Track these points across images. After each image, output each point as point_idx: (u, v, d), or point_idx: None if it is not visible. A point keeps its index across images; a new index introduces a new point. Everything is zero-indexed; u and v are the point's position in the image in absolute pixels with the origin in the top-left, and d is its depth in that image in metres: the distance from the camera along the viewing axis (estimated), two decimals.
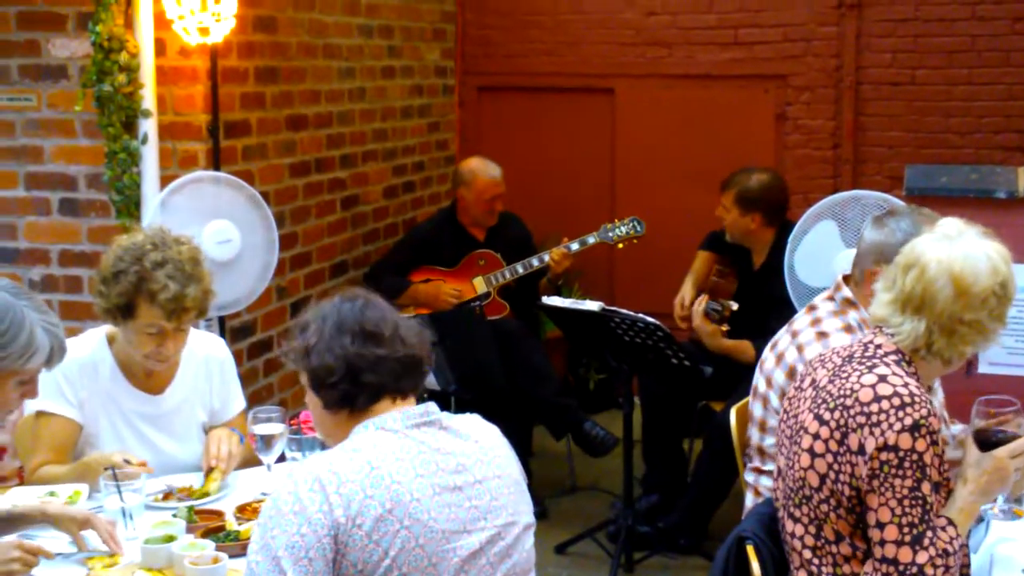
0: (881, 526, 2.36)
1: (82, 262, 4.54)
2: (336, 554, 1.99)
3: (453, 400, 4.87)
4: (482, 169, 5.46)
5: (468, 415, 2.29)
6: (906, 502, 2.34)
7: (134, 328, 2.94)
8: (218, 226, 4.17)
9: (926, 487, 2.35)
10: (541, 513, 4.98)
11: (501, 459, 2.22)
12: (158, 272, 2.88)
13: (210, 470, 2.97)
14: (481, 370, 5.02)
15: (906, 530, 2.34)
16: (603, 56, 6.58)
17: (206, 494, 2.93)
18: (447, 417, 2.21)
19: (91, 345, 3.07)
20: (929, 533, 2.35)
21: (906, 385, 2.39)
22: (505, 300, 5.49)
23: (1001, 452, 2.43)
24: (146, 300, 2.89)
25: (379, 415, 2.16)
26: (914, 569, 2.33)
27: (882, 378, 2.41)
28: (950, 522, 2.40)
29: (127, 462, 2.81)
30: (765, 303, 4.61)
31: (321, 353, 2.18)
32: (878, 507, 2.36)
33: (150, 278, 2.88)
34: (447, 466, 2.11)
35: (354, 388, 2.16)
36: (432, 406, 2.21)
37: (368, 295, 2.26)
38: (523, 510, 2.23)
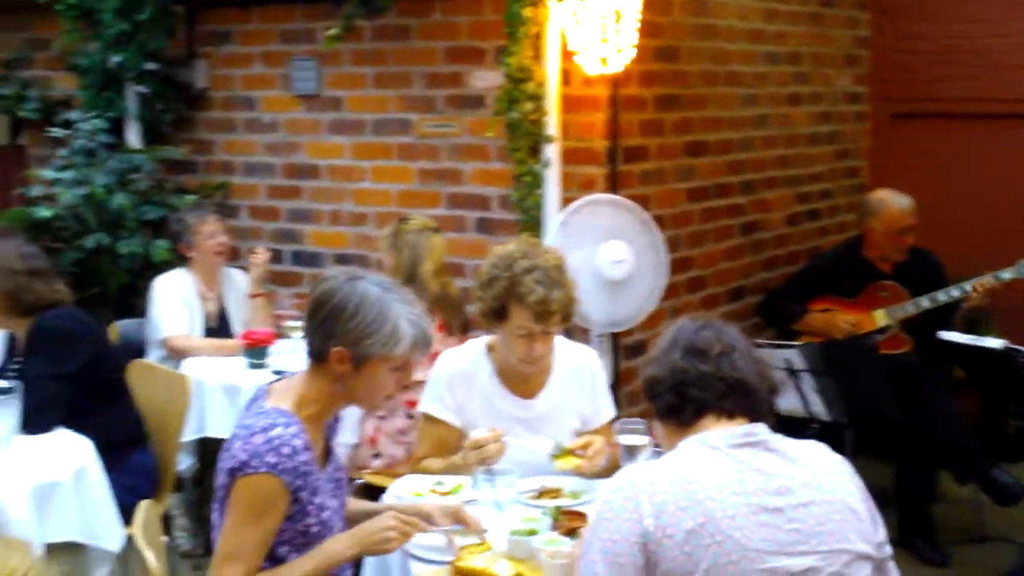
0: None
1: None
2: (647, 562, 2.06)
3: (846, 433, 4.73)
4: (892, 199, 5.26)
5: (808, 441, 2.27)
6: None
7: (507, 331, 3.17)
8: (614, 246, 4.36)
9: None
10: (943, 561, 4.77)
11: (833, 485, 2.17)
12: (527, 277, 3.09)
13: (569, 451, 3.12)
14: (873, 404, 4.85)
15: None
16: None
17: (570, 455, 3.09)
18: (776, 439, 2.20)
19: (471, 354, 3.34)
20: None
21: None
22: (908, 335, 5.26)
23: None
24: (516, 303, 3.10)
25: (703, 432, 2.20)
26: None
27: None
28: None
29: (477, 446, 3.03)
30: None
31: (654, 364, 2.29)
32: None
33: (520, 283, 3.10)
34: (768, 487, 2.11)
35: (678, 400, 2.23)
36: (759, 427, 2.21)
37: (712, 319, 2.34)
38: (856, 539, 2.16)
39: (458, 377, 3.29)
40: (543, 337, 3.14)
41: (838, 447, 2.29)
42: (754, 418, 2.24)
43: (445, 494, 3.07)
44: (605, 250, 4.36)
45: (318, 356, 2.53)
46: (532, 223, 4.62)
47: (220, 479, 2.50)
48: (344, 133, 5.35)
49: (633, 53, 4.41)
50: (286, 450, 2.41)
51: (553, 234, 4.43)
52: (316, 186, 5.48)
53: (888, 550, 2.27)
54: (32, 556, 1.24)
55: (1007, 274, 4.99)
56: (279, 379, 2.67)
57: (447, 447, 3.29)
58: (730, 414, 2.22)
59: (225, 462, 2.47)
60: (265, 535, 2.44)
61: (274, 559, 2.49)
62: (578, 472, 3.14)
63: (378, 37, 5.13)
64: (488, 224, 5.00)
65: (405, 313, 2.52)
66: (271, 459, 2.40)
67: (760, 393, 2.25)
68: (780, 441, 2.21)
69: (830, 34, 6.29)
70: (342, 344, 2.48)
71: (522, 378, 3.28)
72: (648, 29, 4.57)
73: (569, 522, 2.88)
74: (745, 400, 2.23)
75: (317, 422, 2.57)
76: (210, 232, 5.00)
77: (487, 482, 3.00)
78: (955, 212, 6.26)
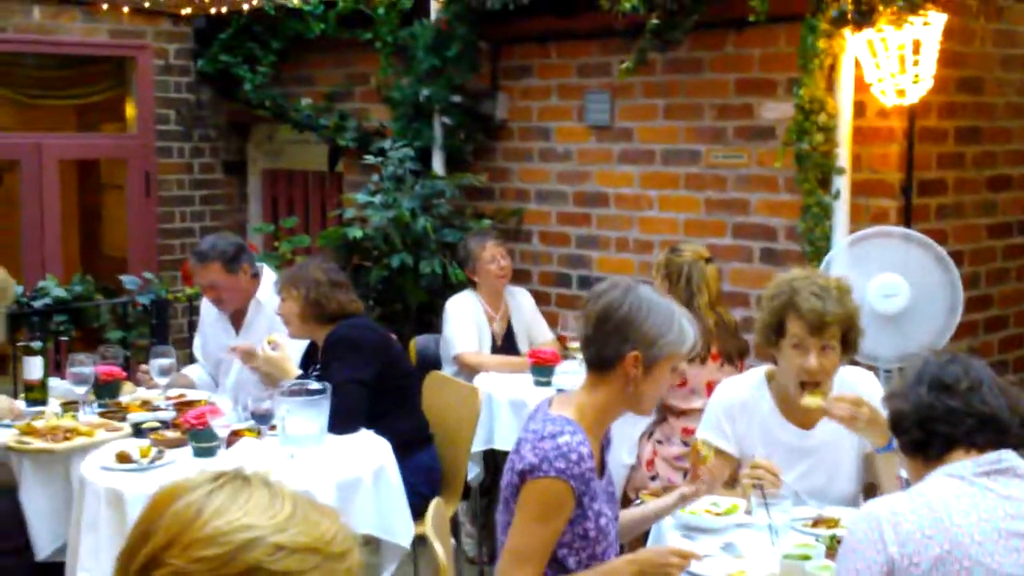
0: None
1: None
2: None
3: None
4: None
5: None
6: None
7: (783, 346, 3.17)
8: (886, 279, 4.25)
9: None
10: None
11: None
12: (804, 291, 3.12)
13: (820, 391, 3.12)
14: None
15: None
16: None
17: None
18: None
19: (750, 383, 3.37)
20: None
21: None
22: None
23: None
24: (792, 313, 3.12)
25: (950, 464, 2.18)
26: None
27: None
28: None
29: (755, 467, 3.04)
30: None
31: (899, 399, 2.28)
32: None
33: (798, 294, 3.12)
34: (1018, 512, 2.09)
35: (925, 435, 2.22)
36: (1007, 453, 2.17)
37: (958, 353, 2.31)
38: None
39: (737, 407, 3.33)
40: (820, 353, 3.13)
41: None
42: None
43: (719, 515, 3.12)
44: (876, 282, 4.26)
45: (606, 364, 2.63)
46: (819, 254, 4.58)
47: (507, 479, 2.65)
48: (633, 163, 5.49)
49: (931, 84, 4.31)
50: (574, 456, 2.53)
51: (835, 262, 4.36)
52: (604, 214, 5.65)
53: None
54: (341, 522, 1.38)
55: None
56: (562, 392, 2.82)
57: (722, 475, 3.32)
58: (979, 448, 2.19)
59: (515, 464, 2.61)
60: (552, 537, 2.57)
61: (552, 560, 2.62)
62: (823, 410, 3.08)
63: (670, 70, 5.26)
64: (773, 255, 5.00)
65: (683, 313, 2.66)
66: (560, 464, 2.52)
67: (1013, 428, 2.21)
68: None
69: None
70: (638, 347, 2.60)
71: (802, 408, 3.28)
72: (950, 59, 4.45)
73: None
74: (997, 436, 2.20)
75: (596, 432, 2.68)
76: (490, 256, 5.22)
77: (762, 507, 3.02)
78: None
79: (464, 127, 5.98)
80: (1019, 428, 2.23)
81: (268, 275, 4.68)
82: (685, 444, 4.15)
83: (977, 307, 4.89)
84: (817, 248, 4.58)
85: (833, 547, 2.88)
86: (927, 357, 2.33)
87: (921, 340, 4.33)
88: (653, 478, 4.35)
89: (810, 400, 3.13)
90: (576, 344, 4.94)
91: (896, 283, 4.27)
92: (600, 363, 2.65)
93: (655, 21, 4.86)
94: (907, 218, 4.60)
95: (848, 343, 3.17)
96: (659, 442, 4.36)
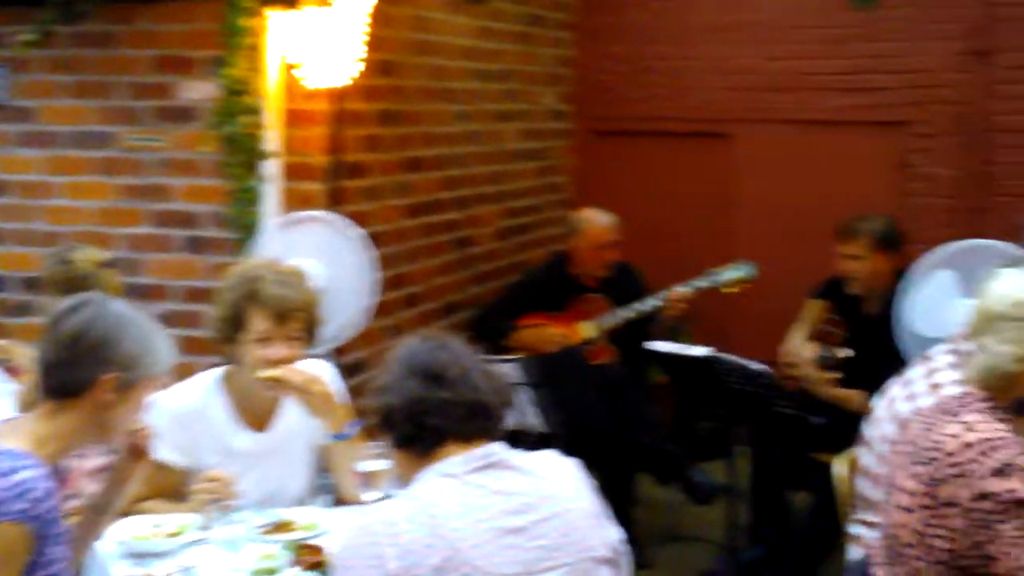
0: None
1: (203, 298, 4.65)
2: None
3: (559, 443, 4.86)
4: (593, 218, 5.46)
5: (541, 452, 2.26)
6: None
7: (244, 341, 3.02)
8: (296, 264, 4.24)
9: None
10: (644, 562, 4.91)
11: (571, 493, 2.18)
12: (264, 280, 3.01)
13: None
14: (584, 415, 4.99)
15: None
16: (721, 101, 6.57)
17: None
18: (513, 456, 2.18)
19: (200, 389, 3.15)
20: None
21: (995, 430, 2.37)
22: (613, 346, 5.46)
23: None
24: (254, 305, 2.99)
25: (443, 460, 2.15)
26: None
27: (968, 426, 2.38)
28: None
29: (210, 480, 2.89)
30: (880, 353, 4.50)
31: (388, 392, 2.20)
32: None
33: (257, 284, 3.00)
34: (509, 507, 2.09)
35: (417, 430, 2.16)
36: (496, 447, 2.18)
37: (446, 337, 2.27)
38: (596, 544, 2.18)
39: (184, 415, 3.09)
40: (285, 343, 3.01)
41: None
42: (492, 438, 2.20)
43: (172, 535, 2.88)
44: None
45: (75, 391, 2.33)
46: (248, 241, 4.44)
47: None
48: (35, 146, 4.93)
49: (356, 67, 4.34)
50: (34, 495, 2.18)
51: (263, 249, 4.24)
52: (2, 203, 5.02)
53: (623, 548, 2.28)
54: None
55: (700, 283, 5.27)
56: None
57: (167, 489, 3.08)
58: (470, 439, 2.17)
59: None
60: None
61: None
62: (280, 383, 3.00)
63: (77, 44, 4.77)
64: (198, 243, 4.76)
65: (160, 331, 2.42)
66: (19, 505, 2.16)
67: (497, 412, 2.22)
68: (517, 457, 2.18)
69: (537, 53, 6.46)
70: (113, 371, 2.32)
71: (259, 407, 3.14)
72: (371, 43, 4.50)
73: (310, 555, 2.78)
74: (484, 422, 2.19)
75: (53, 464, 2.35)
76: None
77: (218, 521, 2.84)
78: (652, 226, 6.57)
79: None
80: (501, 411, 2.22)
81: None
82: (106, 454, 3.82)
83: (395, 286, 5.04)
84: (248, 235, 4.44)
85: (298, 553, 2.78)
86: (412, 345, 2.25)
87: (345, 320, 4.36)
88: (72, 496, 3.96)
89: (264, 372, 3.00)
90: None
91: (305, 266, 4.25)
92: (67, 389, 2.33)
93: None
94: (334, 201, 4.60)
95: (311, 332, 3.09)
96: (78, 455, 3.97)
